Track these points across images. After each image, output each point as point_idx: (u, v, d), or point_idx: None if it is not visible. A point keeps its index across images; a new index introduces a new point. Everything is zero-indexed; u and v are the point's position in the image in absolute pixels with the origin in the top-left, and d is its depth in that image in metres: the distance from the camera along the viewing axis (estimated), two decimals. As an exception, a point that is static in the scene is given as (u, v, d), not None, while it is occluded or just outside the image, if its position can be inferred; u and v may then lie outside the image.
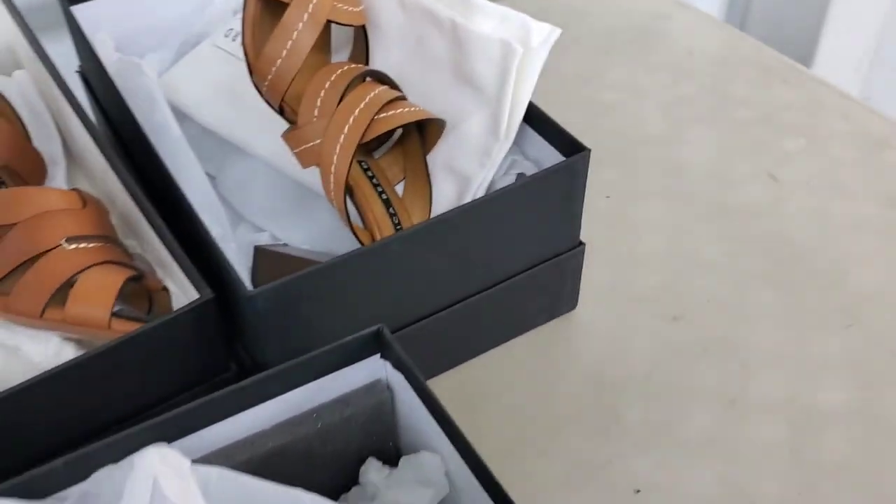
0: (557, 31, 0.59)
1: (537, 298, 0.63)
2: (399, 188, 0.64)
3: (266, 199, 0.69)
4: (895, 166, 0.78)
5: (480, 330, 0.62)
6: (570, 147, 0.57)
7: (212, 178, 0.70)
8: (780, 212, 0.74)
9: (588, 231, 0.62)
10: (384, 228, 0.60)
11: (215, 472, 0.41)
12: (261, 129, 0.66)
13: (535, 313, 0.64)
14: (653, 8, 0.98)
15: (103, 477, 0.40)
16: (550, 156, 0.60)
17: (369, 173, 0.62)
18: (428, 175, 0.63)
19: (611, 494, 0.55)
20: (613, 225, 0.73)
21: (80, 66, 0.77)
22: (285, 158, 0.65)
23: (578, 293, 0.66)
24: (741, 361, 0.63)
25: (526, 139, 0.62)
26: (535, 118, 0.60)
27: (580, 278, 0.65)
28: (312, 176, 0.65)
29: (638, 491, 0.56)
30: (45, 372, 0.47)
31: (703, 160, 0.79)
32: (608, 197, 0.75)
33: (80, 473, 0.41)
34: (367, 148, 0.64)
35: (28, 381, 0.48)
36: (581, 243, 0.62)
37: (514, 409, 0.61)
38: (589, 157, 0.57)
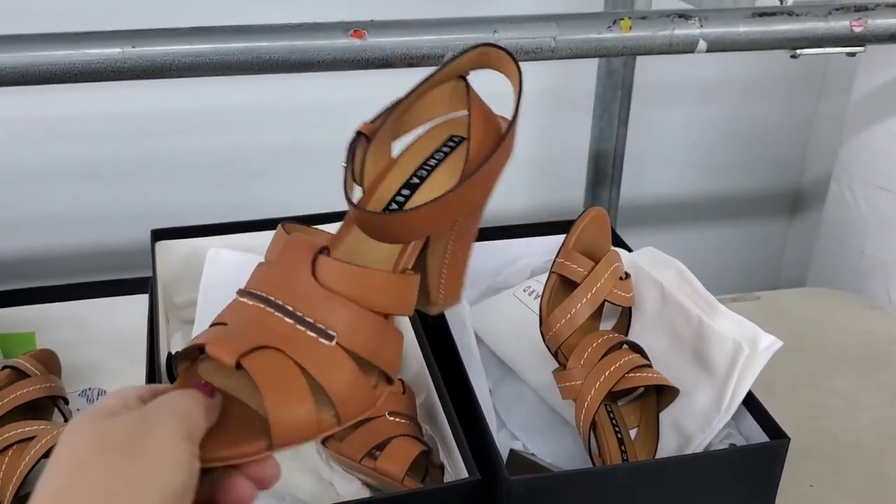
0: (779, 343, 0.75)
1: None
2: (632, 433, 0.81)
3: (527, 416, 0.89)
4: None
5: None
6: (775, 433, 0.72)
7: (489, 390, 0.91)
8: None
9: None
10: (614, 459, 0.77)
11: None
12: (535, 363, 0.87)
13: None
14: (889, 332, 1.10)
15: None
16: (760, 437, 0.75)
17: (612, 415, 0.80)
18: (658, 428, 0.80)
19: None
20: (813, 513, 0.84)
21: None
22: (547, 390, 0.86)
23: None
24: None
25: (743, 419, 0.78)
26: (752, 404, 0.76)
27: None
28: (565, 408, 0.84)
29: None
30: (364, 499, 0.68)
31: (909, 476, 0.89)
32: (812, 486, 0.87)
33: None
34: (614, 396, 0.82)
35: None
36: (774, 516, 0.75)
37: None
38: (788, 444, 0.71)
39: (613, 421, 0.80)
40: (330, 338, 0.46)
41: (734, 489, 0.73)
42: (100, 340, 0.93)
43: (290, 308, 0.47)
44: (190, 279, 0.86)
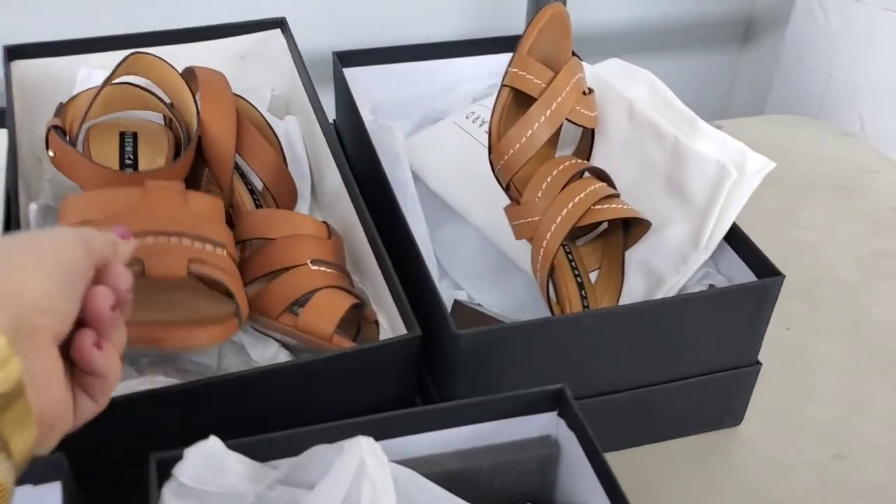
0: (772, 165, 0.64)
1: (706, 405, 0.67)
2: (593, 276, 0.70)
3: (471, 262, 0.77)
4: None
5: (646, 421, 0.66)
6: (766, 271, 0.61)
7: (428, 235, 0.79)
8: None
9: (765, 355, 0.66)
10: (574, 307, 0.66)
11: (405, 473, 0.47)
12: (481, 201, 0.74)
13: (702, 419, 0.68)
14: (863, 161, 1.01)
15: (315, 454, 0.47)
16: (743, 275, 0.64)
17: (570, 256, 0.69)
18: (622, 269, 0.69)
19: None
20: (791, 356, 0.76)
21: (334, 120, 0.88)
22: (495, 231, 0.73)
23: (745, 411, 0.69)
24: (898, 513, 0.64)
25: (723, 256, 0.67)
26: (736, 238, 0.65)
27: (750, 397, 0.68)
28: (515, 251, 0.72)
29: None
30: (278, 364, 0.56)
31: (892, 316, 0.80)
32: (788, 329, 0.78)
33: (294, 448, 0.48)
34: (572, 235, 0.70)
35: (258, 368, 0.57)
36: (758, 363, 0.65)
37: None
38: (782, 283, 0.60)
39: (573, 264, 0.69)
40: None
41: (716, 337, 0.63)
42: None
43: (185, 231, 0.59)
44: (54, 107, 0.70)
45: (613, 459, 0.48)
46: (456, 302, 0.72)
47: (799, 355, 0.76)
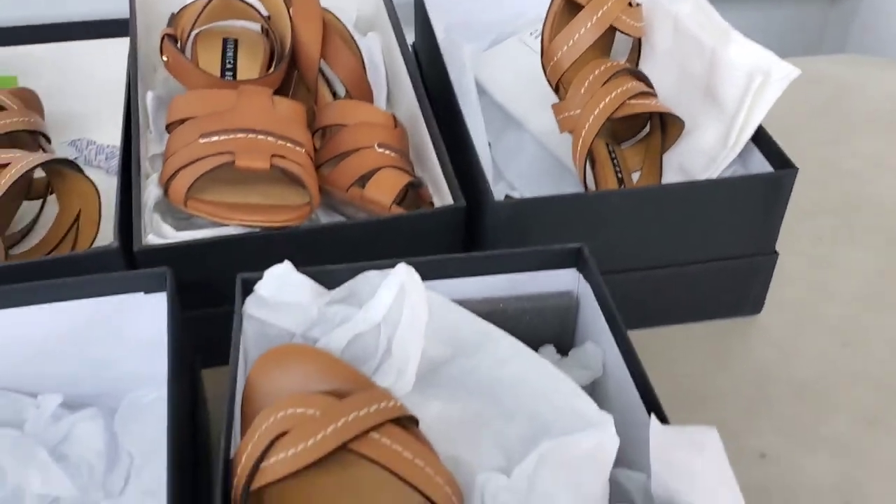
0: (796, 72, 0.69)
1: (724, 290, 0.73)
2: (635, 178, 0.77)
3: (525, 165, 0.85)
4: None
5: (666, 301, 0.73)
6: (783, 164, 0.68)
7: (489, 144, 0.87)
8: None
9: (792, 254, 0.71)
10: (612, 199, 0.73)
11: (438, 299, 0.56)
12: (538, 109, 0.82)
13: (719, 305, 0.74)
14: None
15: (365, 279, 0.57)
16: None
17: (613, 156, 0.76)
18: (660, 170, 0.76)
19: (737, 456, 0.64)
20: (818, 260, 0.81)
21: (413, 43, 0.97)
22: (550, 136, 0.81)
23: (764, 300, 0.75)
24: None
25: (752, 157, 0.73)
26: (762, 140, 0.71)
27: (768, 286, 0.74)
28: (567, 155, 0.80)
29: (763, 455, 0.64)
30: (345, 221, 0.66)
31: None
32: (820, 238, 0.83)
33: (350, 278, 0.58)
34: (617, 138, 0.78)
35: (328, 223, 0.67)
36: (775, 252, 0.72)
37: (675, 380, 0.71)
38: (795, 175, 0.67)
39: (615, 162, 0.76)
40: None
41: (734, 223, 0.69)
42: (82, 89, 0.89)
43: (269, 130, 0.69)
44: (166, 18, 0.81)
45: (632, 336, 0.53)
46: (507, 196, 0.80)
47: (826, 260, 0.81)
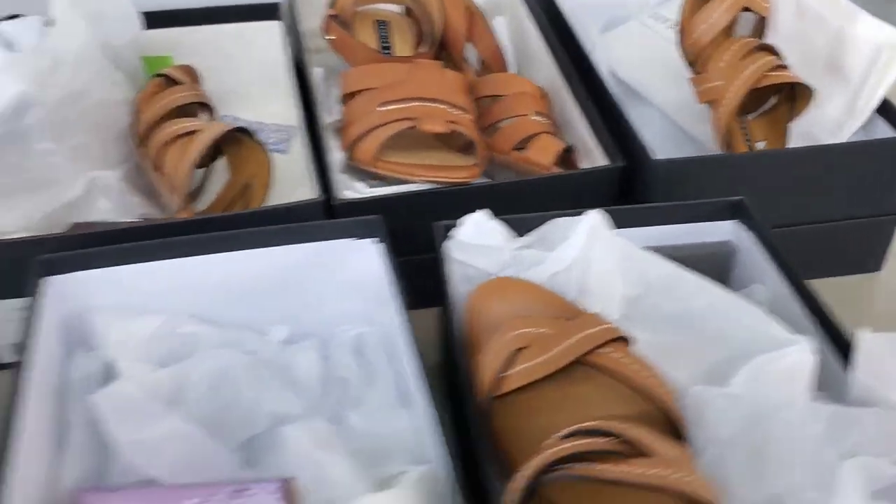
0: (922, 46, 0.76)
1: (848, 248, 0.80)
2: (759, 147, 0.84)
3: (649, 136, 0.92)
4: None
5: (798, 258, 0.80)
6: (910, 132, 0.75)
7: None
8: None
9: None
10: (745, 163, 0.80)
11: (625, 243, 0.63)
12: (664, 84, 0.90)
13: (843, 261, 0.81)
14: None
15: (556, 225, 0.64)
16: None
17: (743, 126, 0.83)
18: (786, 140, 0.83)
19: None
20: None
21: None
22: (676, 108, 0.88)
23: (885, 258, 0.82)
24: None
25: (876, 127, 0.80)
26: (887, 109, 0.78)
27: (889, 244, 0.81)
28: (691, 125, 0.87)
29: None
30: (517, 179, 0.74)
31: None
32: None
33: (538, 226, 0.65)
34: (744, 110, 0.85)
35: (502, 181, 0.74)
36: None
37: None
38: (921, 139, 0.74)
39: (744, 130, 0.83)
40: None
41: (860, 182, 0.76)
42: (235, 67, 0.96)
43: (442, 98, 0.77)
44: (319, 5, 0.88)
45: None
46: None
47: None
